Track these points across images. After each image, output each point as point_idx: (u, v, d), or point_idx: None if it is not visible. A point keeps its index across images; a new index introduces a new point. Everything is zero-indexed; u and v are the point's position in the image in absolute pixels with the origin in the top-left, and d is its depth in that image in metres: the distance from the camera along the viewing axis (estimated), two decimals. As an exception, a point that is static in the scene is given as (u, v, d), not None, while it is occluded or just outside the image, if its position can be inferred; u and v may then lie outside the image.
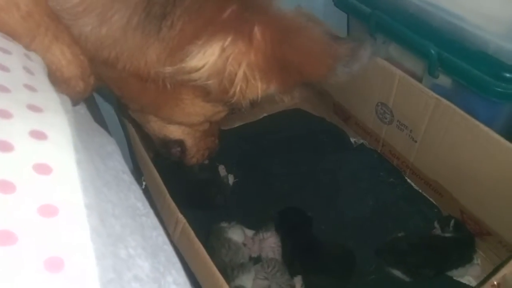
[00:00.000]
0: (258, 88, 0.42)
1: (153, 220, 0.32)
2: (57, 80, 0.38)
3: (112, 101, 0.90)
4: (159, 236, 0.30)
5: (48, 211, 0.20)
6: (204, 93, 0.46)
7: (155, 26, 0.40)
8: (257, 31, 0.40)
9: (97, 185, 0.26)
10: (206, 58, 0.40)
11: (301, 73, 0.43)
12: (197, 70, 0.40)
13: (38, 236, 0.19)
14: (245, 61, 0.40)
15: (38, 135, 0.23)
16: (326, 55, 0.43)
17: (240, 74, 0.41)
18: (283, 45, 0.41)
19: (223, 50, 0.40)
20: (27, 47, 0.35)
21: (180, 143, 0.59)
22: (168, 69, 0.41)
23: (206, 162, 0.91)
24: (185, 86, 0.46)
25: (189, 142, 0.58)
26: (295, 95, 0.49)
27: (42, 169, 0.22)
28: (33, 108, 0.25)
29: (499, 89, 0.67)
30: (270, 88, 0.43)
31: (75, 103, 0.42)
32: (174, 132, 0.56)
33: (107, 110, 0.91)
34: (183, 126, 0.55)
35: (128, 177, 0.35)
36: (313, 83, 0.46)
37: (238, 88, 0.42)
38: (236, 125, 1.02)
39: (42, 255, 0.19)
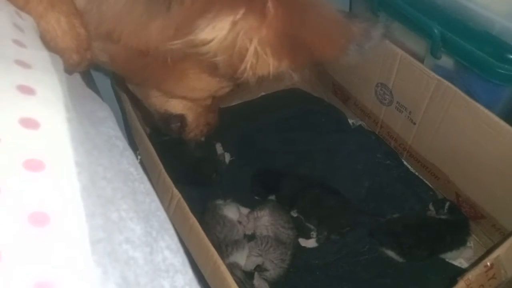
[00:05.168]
0: (270, 65, 0.41)
1: (146, 186, 0.31)
2: (50, 49, 0.37)
3: (108, 75, 0.88)
4: (152, 202, 0.30)
5: (34, 165, 0.19)
6: (211, 68, 0.45)
7: (164, 4, 0.39)
8: (270, 6, 0.39)
9: (87, 147, 0.25)
10: (216, 32, 0.38)
11: (313, 52, 0.42)
12: (206, 43, 0.39)
13: (22, 190, 0.18)
14: (256, 37, 0.39)
15: (26, 90, 0.22)
16: (339, 35, 0.42)
17: (251, 50, 0.39)
18: (296, 22, 0.39)
19: (234, 24, 0.38)
20: (20, 10, 0.34)
21: (181, 118, 0.58)
22: (176, 43, 0.40)
23: (203, 139, 0.91)
24: (190, 60, 0.45)
25: (190, 117, 0.57)
26: (305, 73, 0.47)
27: (29, 123, 0.21)
28: (21, 63, 0.24)
29: (502, 71, 0.66)
30: (281, 66, 0.42)
31: (68, 73, 0.41)
32: (176, 106, 0.56)
33: (104, 84, 0.89)
34: (185, 100, 0.54)
35: (121, 143, 0.34)
36: (321, 62, 0.45)
37: (249, 64, 0.41)
38: (234, 103, 1.01)
39: (26, 209, 0.18)
